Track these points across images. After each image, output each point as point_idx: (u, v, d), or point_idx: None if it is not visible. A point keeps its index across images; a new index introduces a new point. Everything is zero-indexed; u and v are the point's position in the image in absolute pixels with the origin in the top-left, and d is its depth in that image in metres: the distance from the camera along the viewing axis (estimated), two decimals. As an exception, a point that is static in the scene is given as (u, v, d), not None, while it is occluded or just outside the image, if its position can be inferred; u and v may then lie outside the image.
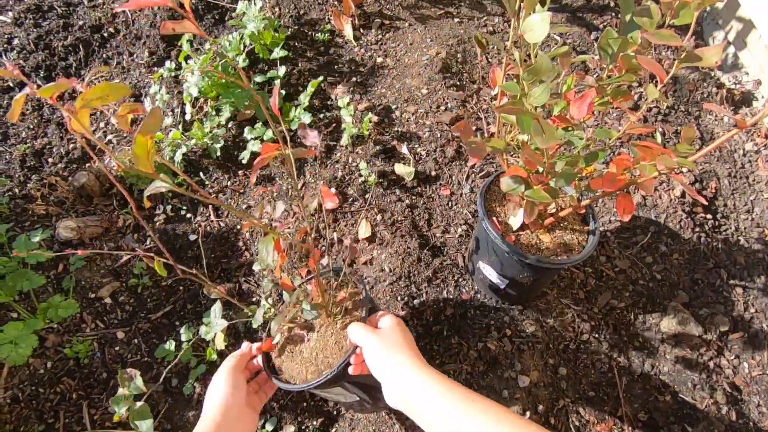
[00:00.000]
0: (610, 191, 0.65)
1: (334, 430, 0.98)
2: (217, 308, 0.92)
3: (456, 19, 1.54)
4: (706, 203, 1.17)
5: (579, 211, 0.89)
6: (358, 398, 0.80)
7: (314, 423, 0.98)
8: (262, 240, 0.50)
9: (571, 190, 0.88)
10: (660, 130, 1.29)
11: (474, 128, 1.26)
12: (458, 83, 1.36)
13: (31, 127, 1.44)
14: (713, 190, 1.24)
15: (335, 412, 1.00)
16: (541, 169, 0.66)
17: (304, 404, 1.00)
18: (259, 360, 0.79)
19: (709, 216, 1.19)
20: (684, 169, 1.26)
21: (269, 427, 0.97)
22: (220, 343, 1.04)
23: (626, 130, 0.67)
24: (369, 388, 0.78)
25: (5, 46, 1.61)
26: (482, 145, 0.63)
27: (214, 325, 0.89)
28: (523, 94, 0.74)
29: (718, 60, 0.56)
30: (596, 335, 1.04)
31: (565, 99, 0.75)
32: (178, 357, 1.05)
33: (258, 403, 0.77)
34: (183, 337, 1.05)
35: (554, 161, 0.61)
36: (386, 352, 0.62)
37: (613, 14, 1.59)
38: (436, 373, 0.59)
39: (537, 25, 0.51)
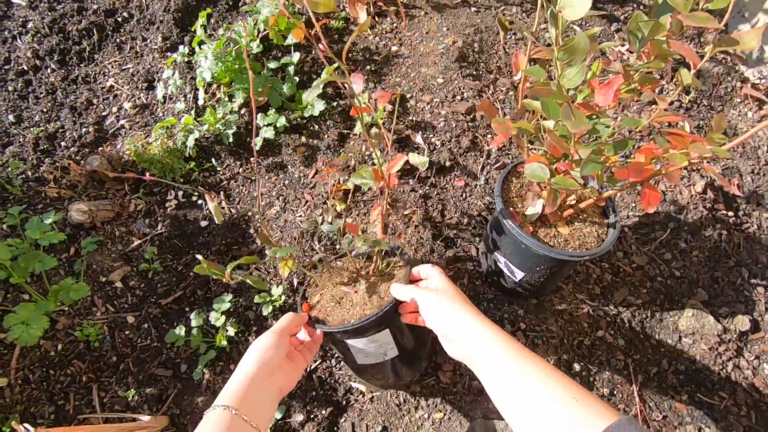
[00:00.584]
0: (637, 181, 0.62)
1: (342, 419, 0.97)
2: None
3: (473, 8, 1.51)
4: (739, 193, 1.14)
5: (599, 203, 0.87)
6: (396, 353, 0.80)
7: (323, 412, 0.97)
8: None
9: (591, 181, 0.86)
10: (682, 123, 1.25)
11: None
12: (474, 73, 1.34)
13: (45, 110, 1.44)
14: (736, 187, 1.21)
15: (344, 402, 0.99)
16: (565, 158, 0.64)
17: (314, 393, 0.99)
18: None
19: (730, 213, 1.16)
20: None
21: (278, 414, 0.96)
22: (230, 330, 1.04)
23: (655, 117, 0.65)
24: (411, 346, 0.83)
25: (20, 29, 1.61)
26: (509, 124, 0.60)
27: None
28: (546, 81, 0.72)
29: (757, 44, 0.54)
30: (612, 332, 1.02)
31: (589, 86, 0.72)
32: (189, 342, 1.05)
33: (301, 360, 0.74)
34: (193, 323, 1.04)
35: (580, 148, 0.59)
36: (446, 304, 0.65)
37: (635, 5, 1.55)
38: (494, 325, 0.61)
39: (578, 0, 0.48)
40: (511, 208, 0.86)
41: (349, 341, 0.76)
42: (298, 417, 0.96)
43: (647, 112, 1.28)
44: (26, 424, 0.71)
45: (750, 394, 0.96)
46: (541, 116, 0.69)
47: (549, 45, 0.68)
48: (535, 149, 0.84)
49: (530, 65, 0.72)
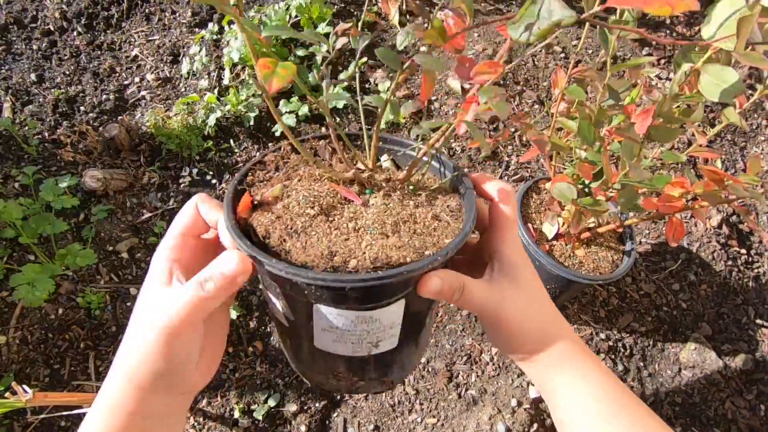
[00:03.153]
0: (665, 213, 0.62)
1: (336, 414, 0.97)
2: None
3: (508, 12, 1.50)
4: (758, 229, 1.13)
5: (617, 229, 0.87)
6: (394, 345, 0.41)
7: (317, 405, 0.97)
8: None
9: (614, 206, 0.85)
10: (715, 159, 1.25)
11: (513, 130, 1.23)
12: (501, 82, 1.33)
13: (67, 73, 1.43)
14: (750, 226, 1.21)
15: (338, 397, 0.99)
16: (595, 179, 0.63)
17: (309, 384, 0.99)
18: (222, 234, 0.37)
19: (743, 251, 1.15)
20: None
21: (272, 402, 0.96)
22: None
23: (691, 151, 0.64)
24: (418, 333, 0.44)
25: (49, -12, 1.59)
26: (545, 138, 0.60)
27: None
28: (581, 102, 0.71)
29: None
30: (612, 356, 1.02)
31: (625, 112, 0.72)
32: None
33: (221, 317, 0.40)
34: (196, 302, 1.04)
35: (620, 180, 0.58)
36: (539, 310, 0.39)
37: (667, 31, 1.54)
38: (593, 358, 0.39)
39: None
40: (528, 224, 0.85)
41: (325, 308, 0.35)
42: (292, 407, 0.97)
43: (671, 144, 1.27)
44: (25, 386, 0.71)
45: (744, 433, 0.96)
46: (574, 137, 0.68)
47: (578, 62, 0.67)
48: (562, 167, 0.84)
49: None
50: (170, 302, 0.33)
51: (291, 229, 0.36)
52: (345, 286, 0.32)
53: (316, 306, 0.35)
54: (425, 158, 0.42)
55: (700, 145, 0.65)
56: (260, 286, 0.41)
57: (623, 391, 0.38)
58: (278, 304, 0.39)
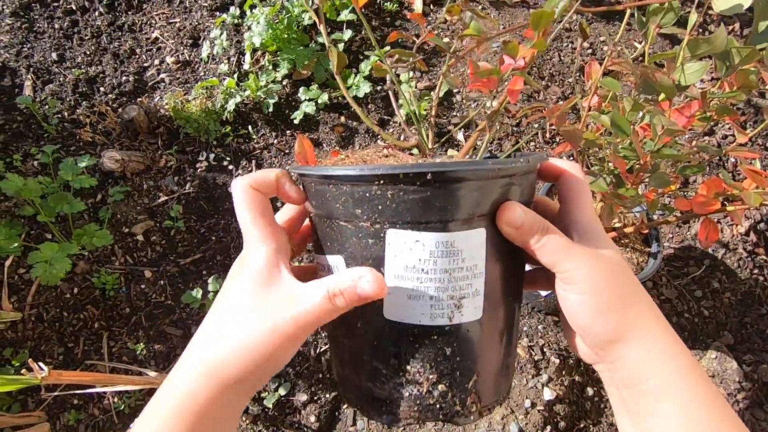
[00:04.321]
0: (700, 214, 0.59)
1: (345, 406, 0.96)
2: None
3: (531, 10, 1.47)
4: None
5: (642, 229, 0.84)
6: (478, 315, 0.34)
7: (327, 396, 0.97)
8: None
9: (640, 207, 0.83)
10: (733, 159, 1.21)
11: (536, 125, 1.20)
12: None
13: (88, 53, 1.43)
14: (778, 233, 1.17)
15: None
16: (629, 172, 0.61)
17: (320, 375, 0.99)
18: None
19: (770, 259, 1.12)
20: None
21: (282, 391, 0.96)
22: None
23: (729, 150, 0.61)
24: (511, 302, 0.37)
25: (73, -32, 1.59)
26: (579, 134, 0.58)
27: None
28: (614, 96, 0.68)
29: None
30: (629, 361, 0.99)
31: (659, 107, 0.69)
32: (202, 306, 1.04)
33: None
34: (210, 288, 1.04)
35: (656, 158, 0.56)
36: (616, 299, 0.33)
37: (701, 30, 1.49)
38: (692, 362, 0.33)
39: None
40: (552, 222, 0.83)
41: (402, 234, 0.31)
42: (302, 397, 0.96)
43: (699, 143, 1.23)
44: (41, 363, 0.71)
45: (763, 446, 0.93)
46: (606, 131, 0.66)
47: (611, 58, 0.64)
48: (590, 163, 0.81)
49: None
50: (291, 305, 0.30)
51: (361, 161, 0.36)
52: (426, 172, 0.29)
53: (390, 233, 0.31)
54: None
55: (741, 144, 0.62)
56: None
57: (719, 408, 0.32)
58: (340, 265, 0.34)
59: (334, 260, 0.34)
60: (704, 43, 0.44)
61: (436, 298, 0.32)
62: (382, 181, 0.30)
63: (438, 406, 0.34)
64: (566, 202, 0.36)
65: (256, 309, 0.31)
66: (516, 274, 0.36)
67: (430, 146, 0.43)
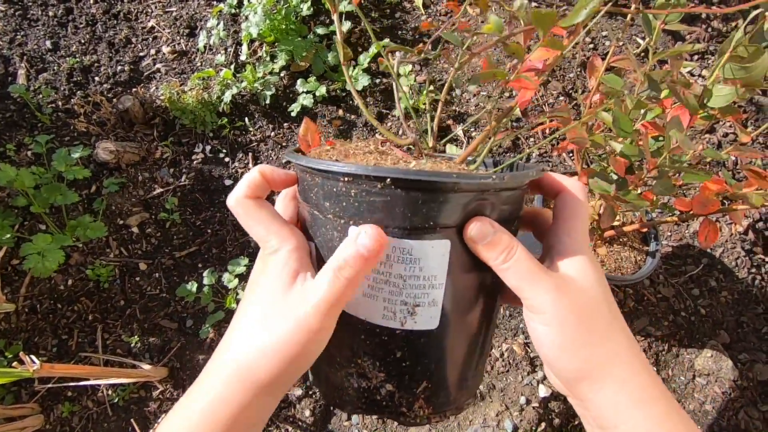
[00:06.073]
0: (700, 214, 0.59)
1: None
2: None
3: (534, 3, 1.45)
4: None
5: (642, 229, 0.83)
6: (434, 325, 0.33)
7: (322, 390, 0.97)
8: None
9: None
10: (732, 158, 1.20)
11: (537, 122, 1.19)
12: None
13: (82, 42, 1.41)
14: (776, 233, 1.16)
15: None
16: (629, 173, 0.60)
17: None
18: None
19: (768, 259, 1.11)
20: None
21: (277, 385, 0.96)
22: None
23: (731, 150, 0.60)
24: (467, 319, 0.35)
25: (67, -46, 1.56)
26: (584, 134, 0.57)
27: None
28: (616, 93, 0.67)
29: None
30: (625, 359, 0.99)
31: (661, 106, 0.68)
32: (198, 299, 1.04)
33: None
34: (205, 281, 1.03)
35: (659, 167, 0.55)
36: (585, 334, 0.30)
37: (703, 26, 1.48)
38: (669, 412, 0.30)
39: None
40: (550, 219, 0.82)
41: (355, 230, 0.32)
42: (297, 391, 0.96)
43: (700, 142, 1.22)
44: (32, 356, 0.70)
45: (756, 445, 0.94)
46: (608, 129, 0.65)
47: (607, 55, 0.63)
48: (589, 161, 0.80)
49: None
50: (307, 298, 0.30)
51: (342, 155, 0.37)
52: (386, 177, 0.29)
53: (351, 230, 0.31)
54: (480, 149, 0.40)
55: (743, 144, 0.61)
56: None
57: None
58: (313, 251, 0.35)
59: (311, 246, 0.35)
60: (741, 71, 0.43)
61: (389, 301, 0.32)
62: (347, 179, 0.30)
63: (384, 403, 0.34)
64: (558, 220, 0.34)
65: (280, 310, 0.31)
66: (486, 288, 0.35)
67: (431, 144, 0.42)
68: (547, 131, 1.19)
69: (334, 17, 0.59)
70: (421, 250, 0.31)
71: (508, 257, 0.30)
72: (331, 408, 0.92)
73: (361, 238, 0.30)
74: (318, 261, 0.35)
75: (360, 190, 0.30)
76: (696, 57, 1.38)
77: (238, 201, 0.34)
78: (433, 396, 0.34)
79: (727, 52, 0.45)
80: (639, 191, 0.60)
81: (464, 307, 0.34)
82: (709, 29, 1.46)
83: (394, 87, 0.44)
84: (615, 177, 0.62)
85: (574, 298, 0.30)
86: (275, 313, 0.31)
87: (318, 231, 0.34)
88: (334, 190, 0.31)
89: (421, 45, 0.55)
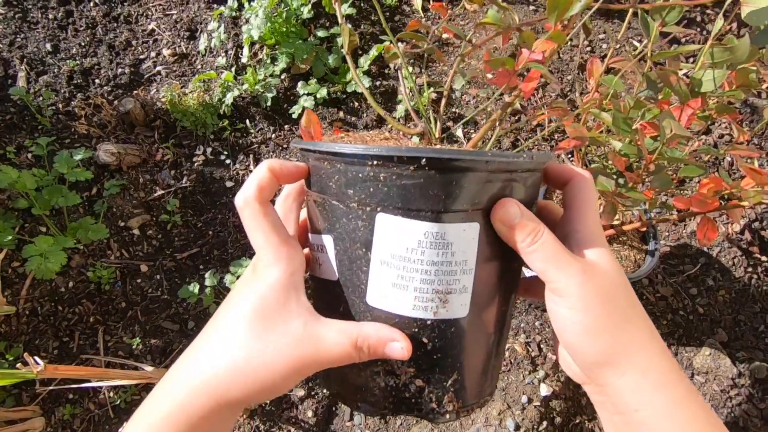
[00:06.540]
0: (699, 212, 0.60)
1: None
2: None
3: (531, 7, 1.46)
4: None
5: (641, 228, 0.84)
6: (464, 312, 0.32)
7: (324, 391, 0.97)
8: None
9: (641, 204, 0.83)
10: (729, 158, 1.21)
11: (536, 123, 1.20)
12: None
13: (83, 44, 1.41)
14: (772, 232, 1.18)
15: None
16: (629, 170, 0.61)
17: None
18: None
19: (765, 258, 1.13)
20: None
21: (279, 386, 0.96)
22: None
23: (728, 150, 0.62)
24: (497, 307, 0.35)
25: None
26: (584, 132, 0.58)
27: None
28: (615, 94, 0.68)
29: None
30: (625, 358, 1.00)
31: (659, 106, 0.69)
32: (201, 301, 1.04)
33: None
34: (207, 282, 1.03)
35: (658, 159, 0.56)
36: (608, 319, 0.30)
37: (698, 29, 1.50)
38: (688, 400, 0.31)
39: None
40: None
41: (391, 219, 0.30)
42: (299, 392, 0.96)
43: (697, 143, 1.24)
44: (36, 357, 0.70)
45: (755, 442, 0.95)
46: (607, 129, 0.66)
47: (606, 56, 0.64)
48: (589, 160, 0.82)
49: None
50: (310, 344, 0.30)
51: (360, 142, 0.36)
52: (422, 157, 0.27)
53: (380, 218, 0.30)
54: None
55: (739, 143, 0.62)
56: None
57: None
58: (329, 245, 0.33)
59: (324, 240, 0.33)
60: (726, 52, 0.44)
61: (421, 290, 0.31)
62: (375, 162, 0.28)
63: (413, 400, 0.33)
64: (570, 209, 0.34)
65: (264, 337, 0.30)
66: (509, 275, 0.35)
67: (437, 135, 0.43)
68: (546, 122, 1.20)
69: (336, 6, 0.60)
70: (453, 234, 0.30)
71: (534, 239, 0.30)
72: (351, 410, 0.92)
73: (395, 346, 0.30)
74: (335, 255, 0.33)
75: (390, 174, 0.29)
76: (691, 59, 1.40)
77: (246, 202, 0.33)
78: (462, 389, 0.33)
79: (711, 38, 0.46)
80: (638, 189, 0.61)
81: (490, 292, 0.33)
82: (704, 32, 1.48)
83: (400, 75, 0.45)
84: (617, 175, 0.63)
85: (599, 283, 0.30)
86: (260, 339, 0.30)
87: (337, 222, 0.32)
88: (360, 175, 0.29)
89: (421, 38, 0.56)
